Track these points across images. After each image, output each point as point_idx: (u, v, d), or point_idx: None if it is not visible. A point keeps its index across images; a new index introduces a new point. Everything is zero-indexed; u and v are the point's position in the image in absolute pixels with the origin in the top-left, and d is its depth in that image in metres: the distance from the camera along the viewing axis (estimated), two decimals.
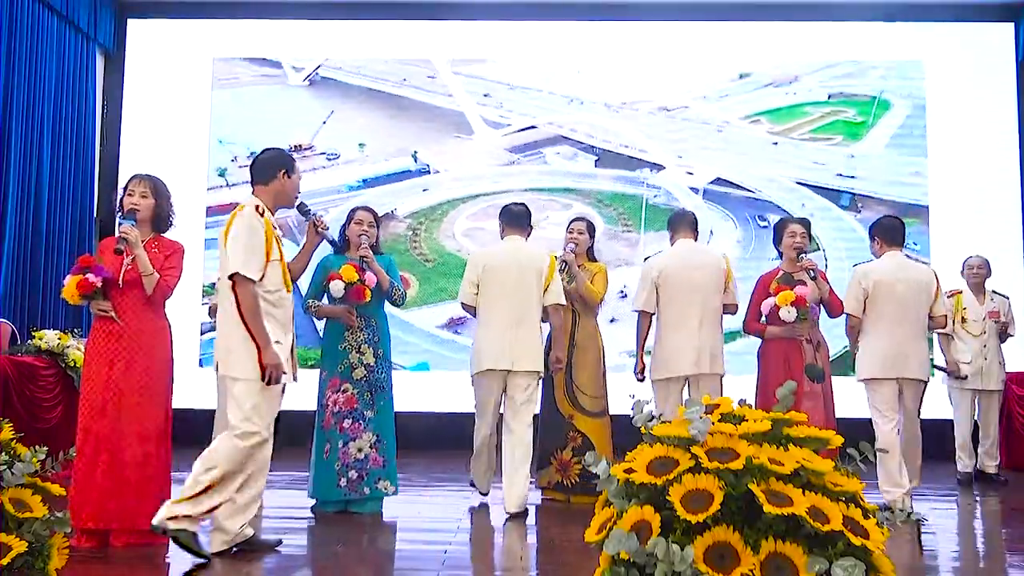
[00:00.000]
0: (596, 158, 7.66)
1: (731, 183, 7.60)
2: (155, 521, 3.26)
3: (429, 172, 7.58)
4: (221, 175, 7.51)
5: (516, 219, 4.67)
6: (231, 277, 3.34)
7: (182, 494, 3.28)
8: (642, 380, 4.78)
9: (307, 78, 7.61)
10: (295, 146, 7.40)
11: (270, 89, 7.68)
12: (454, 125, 7.65)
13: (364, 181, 7.44)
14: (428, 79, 7.71)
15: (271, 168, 3.53)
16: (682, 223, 4.83)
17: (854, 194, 7.58)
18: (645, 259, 4.96)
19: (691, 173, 7.60)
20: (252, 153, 6.53)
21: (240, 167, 7.30)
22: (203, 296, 7.39)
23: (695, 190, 7.59)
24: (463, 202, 7.51)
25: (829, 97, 7.74)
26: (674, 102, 7.70)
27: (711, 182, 7.59)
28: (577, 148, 7.65)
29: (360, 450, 4.38)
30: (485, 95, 7.67)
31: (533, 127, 7.66)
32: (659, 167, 7.63)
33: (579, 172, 7.61)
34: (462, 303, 4.67)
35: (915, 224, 7.46)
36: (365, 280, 4.33)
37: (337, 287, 4.29)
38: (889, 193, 7.57)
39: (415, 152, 7.57)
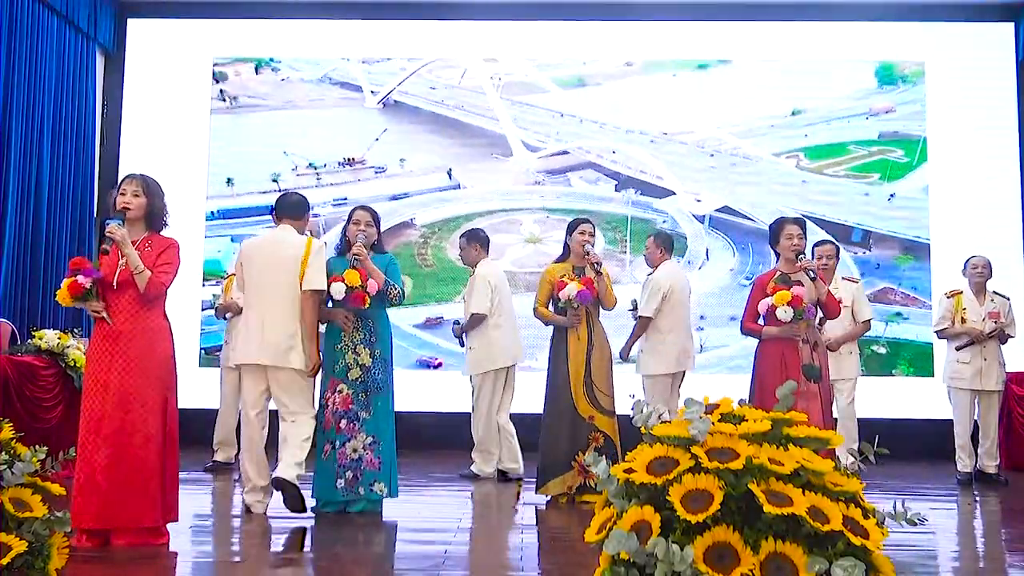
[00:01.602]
0: (616, 183, 7.79)
1: (738, 212, 7.66)
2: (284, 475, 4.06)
3: (459, 188, 7.83)
4: (275, 180, 7.77)
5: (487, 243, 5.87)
6: (314, 291, 4.20)
7: (295, 459, 4.10)
8: (623, 360, 5.47)
9: (381, 100, 7.92)
10: (348, 159, 7.79)
11: (348, 110, 7.94)
12: (496, 147, 7.88)
13: (393, 197, 7.73)
14: (479, 102, 7.91)
15: (305, 210, 4.53)
16: (671, 245, 5.78)
17: (867, 230, 7.59)
18: (648, 275, 5.71)
19: (699, 200, 7.69)
20: (311, 164, 7.73)
21: (298, 175, 7.77)
22: (203, 284, 7.45)
23: (699, 218, 7.67)
24: (480, 216, 7.67)
25: (879, 136, 7.74)
26: (719, 136, 7.78)
27: (717, 210, 7.68)
28: (601, 173, 7.82)
29: (355, 451, 4.36)
30: (529, 119, 7.87)
31: (566, 152, 7.85)
32: (670, 193, 7.72)
33: (597, 196, 7.78)
34: (477, 312, 5.55)
35: (913, 261, 7.54)
36: (367, 287, 4.33)
37: (338, 289, 4.27)
38: (898, 230, 7.58)
39: (450, 169, 7.83)
